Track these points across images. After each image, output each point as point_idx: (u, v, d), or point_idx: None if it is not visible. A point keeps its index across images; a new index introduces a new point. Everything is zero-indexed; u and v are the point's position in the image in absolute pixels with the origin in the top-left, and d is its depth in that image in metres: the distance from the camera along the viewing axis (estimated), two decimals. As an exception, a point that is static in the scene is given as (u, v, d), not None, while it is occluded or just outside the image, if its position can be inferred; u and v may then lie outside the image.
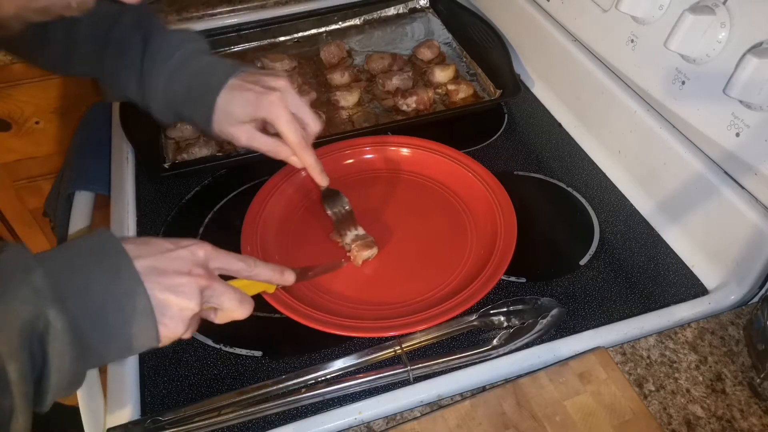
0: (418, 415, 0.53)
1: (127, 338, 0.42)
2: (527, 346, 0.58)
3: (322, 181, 0.66)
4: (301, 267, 0.58)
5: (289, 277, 0.54)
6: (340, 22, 1.09)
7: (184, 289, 0.44)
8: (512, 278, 0.66)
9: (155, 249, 0.45)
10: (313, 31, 1.08)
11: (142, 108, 0.67)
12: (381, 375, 0.56)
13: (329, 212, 0.69)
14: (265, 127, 0.64)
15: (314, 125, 0.64)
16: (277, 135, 0.63)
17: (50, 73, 0.96)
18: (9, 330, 0.36)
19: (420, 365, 0.57)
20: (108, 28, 0.65)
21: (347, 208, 0.69)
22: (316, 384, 0.56)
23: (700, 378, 0.55)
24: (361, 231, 0.69)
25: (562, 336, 0.59)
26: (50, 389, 0.39)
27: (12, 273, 0.38)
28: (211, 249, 0.48)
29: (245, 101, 0.61)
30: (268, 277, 0.53)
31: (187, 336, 0.47)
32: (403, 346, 0.58)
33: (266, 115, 0.61)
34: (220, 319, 0.49)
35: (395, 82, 0.91)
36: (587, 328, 0.60)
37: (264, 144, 0.64)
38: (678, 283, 0.65)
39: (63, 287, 0.40)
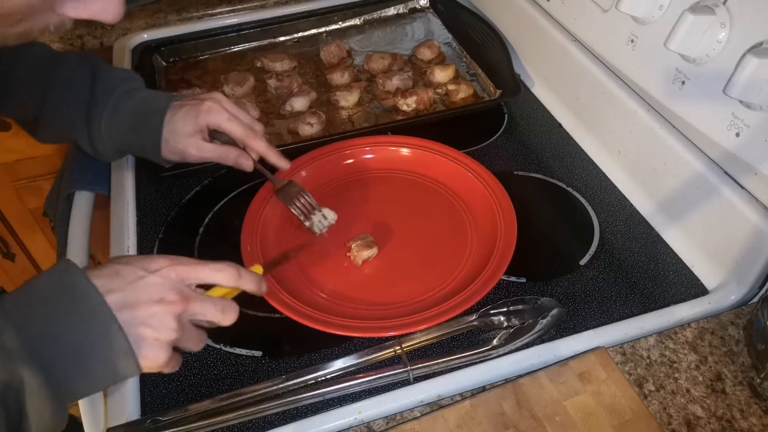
0: (418, 415, 0.53)
1: (106, 376, 0.42)
2: (527, 346, 0.58)
3: (284, 164, 0.69)
4: (270, 261, 0.60)
5: (265, 288, 0.54)
6: (340, 22, 1.09)
7: (156, 319, 0.44)
8: (512, 278, 0.66)
9: (125, 280, 0.44)
10: (313, 31, 1.08)
11: (84, 148, 0.71)
12: (381, 375, 0.56)
13: (288, 206, 0.69)
14: (212, 140, 0.69)
15: (256, 125, 0.68)
16: (226, 143, 0.68)
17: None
18: None
19: (420, 365, 0.57)
20: (53, 65, 0.69)
21: (302, 192, 0.69)
22: (316, 384, 0.56)
23: (700, 378, 0.55)
24: (328, 212, 0.69)
25: (562, 336, 0.59)
26: None
27: None
28: (184, 268, 0.47)
29: (186, 114, 0.66)
30: (250, 286, 0.52)
31: (193, 349, 0.48)
32: (403, 346, 0.58)
33: (207, 118, 0.66)
34: (210, 326, 0.49)
35: (395, 82, 0.91)
36: (587, 328, 0.60)
37: (212, 152, 0.68)
38: (678, 283, 0.65)
39: (35, 341, 0.39)
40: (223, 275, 0.49)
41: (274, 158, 0.68)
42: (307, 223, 0.69)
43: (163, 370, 0.47)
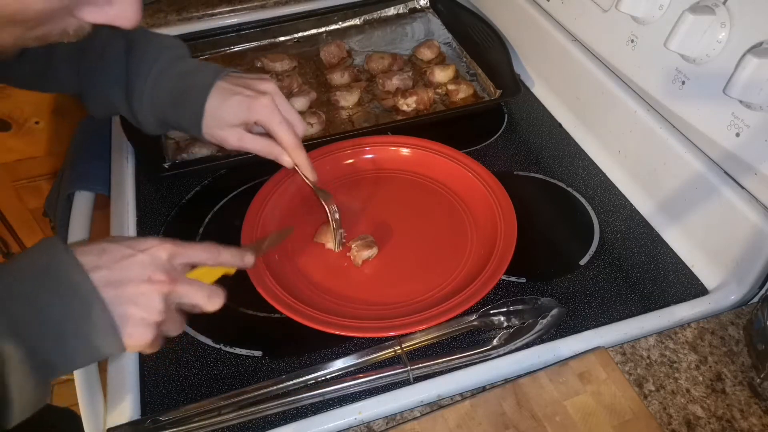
0: (418, 415, 0.53)
1: (90, 352, 0.42)
2: (527, 346, 0.58)
3: (313, 176, 0.67)
4: (254, 242, 0.59)
5: (249, 259, 0.55)
6: (340, 22, 1.09)
7: (144, 298, 0.44)
8: (512, 278, 0.66)
9: (112, 257, 0.44)
10: (313, 31, 1.08)
11: (129, 119, 0.67)
12: (381, 375, 0.56)
13: (330, 214, 0.67)
14: (250, 128, 0.65)
15: (301, 126, 0.65)
16: (264, 135, 0.64)
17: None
18: None
19: (420, 365, 0.57)
20: (88, 37, 0.65)
21: (336, 211, 0.68)
22: (316, 384, 0.56)
23: (700, 378, 0.55)
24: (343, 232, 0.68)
25: (562, 336, 0.59)
26: (13, 413, 0.39)
27: None
28: (174, 246, 0.48)
29: (237, 105, 0.62)
30: (231, 262, 0.53)
31: (172, 333, 0.47)
32: (403, 346, 0.58)
33: (259, 118, 0.62)
34: (194, 310, 0.50)
35: (395, 82, 0.91)
36: (587, 328, 0.60)
37: (256, 145, 0.65)
38: (678, 283, 0.65)
39: (17, 317, 0.39)
40: (207, 254, 0.50)
41: (309, 172, 0.67)
42: (329, 243, 0.68)
43: (145, 351, 0.46)
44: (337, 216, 0.67)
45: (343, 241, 0.68)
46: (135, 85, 0.64)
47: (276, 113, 0.62)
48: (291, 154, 0.65)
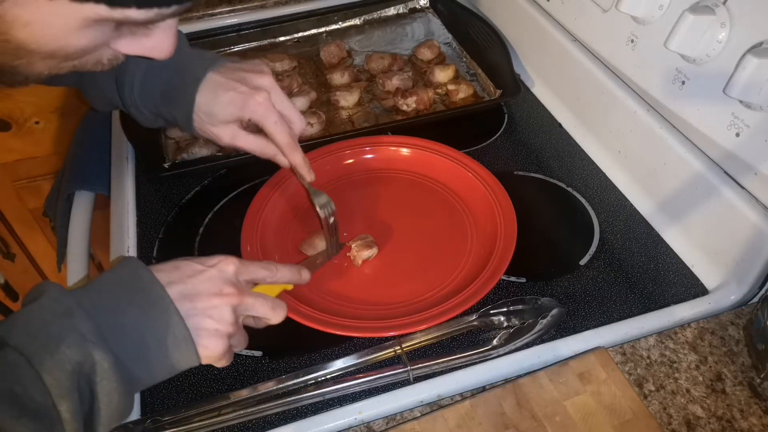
0: (418, 415, 0.53)
1: (169, 365, 0.44)
2: (527, 346, 0.58)
3: (310, 176, 0.65)
4: (304, 260, 0.60)
5: (306, 275, 0.56)
6: (340, 22, 1.08)
7: (217, 311, 0.46)
8: (512, 278, 0.66)
9: (185, 273, 0.46)
10: (313, 31, 1.08)
11: (127, 112, 0.66)
12: (381, 375, 0.56)
13: (323, 219, 0.64)
14: (245, 125, 0.63)
15: (299, 123, 0.63)
16: (260, 132, 0.62)
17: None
18: (59, 373, 0.38)
19: (420, 365, 0.57)
20: None
21: (334, 213, 0.65)
22: (316, 384, 0.56)
23: (700, 378, 0.55)
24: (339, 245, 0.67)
25: (562, 336, 0.59)
26: (101, 423, 0.40)
27: (55, 318, 0.39)
28: (239, 263, 0.49)
29: (229, 102, 0.59)
30: (289, 278, 0.55)
31: (237, 347, 0.49)
32: (403, 346, 0.58)
33: (253, 116, 0.59)
34: (258, 325, 0.52)
35: (395, 82, 0.91)
36: (587, 328, 0.60)
37: (250, 143, 0.63)
38: (678, 283, 0.65)
39: (104, 328, 0.41)
40: (266, 271, 0.52)
41: (305, 172, 0.65)
42: (315, 250, 0.68)
43: (218, 364, 0.48)
44: (331, 221, 0.64)
45: (335, 252, 0.66)
46: (125, 79, 0.62)
47: (271, 112, 0.59)
48: (287, 155, 0.63)
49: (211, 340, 0.46)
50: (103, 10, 0.34)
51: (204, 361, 0.46)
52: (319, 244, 0.67)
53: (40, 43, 0.36)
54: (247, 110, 0.59)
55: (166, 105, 0.62)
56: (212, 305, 0.46)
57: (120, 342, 0.41)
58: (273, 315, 0.50)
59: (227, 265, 0.48)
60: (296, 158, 0.63)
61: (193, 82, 0.60)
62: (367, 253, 0.67)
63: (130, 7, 0.35)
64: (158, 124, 0.67)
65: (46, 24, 0.34)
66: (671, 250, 0.69)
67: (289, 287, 0.57)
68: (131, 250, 0.71)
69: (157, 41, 0.41)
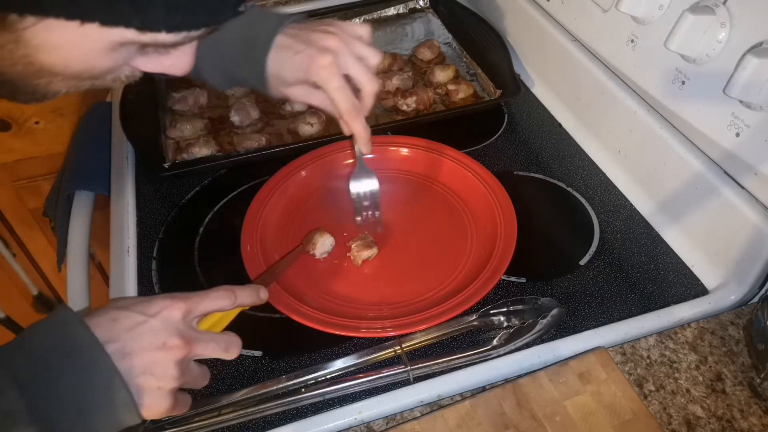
0: (418, 415, 0.53)
1: (112, 426, 0.42)
2: (527, 346, 0.58)
3: (367, 148, 0.63)
4: (266, 271, 0.57)
5: (264, 295, 0.53)
6: (340, 22, 1.08)
7: (159, 367, 0.43)
8: (512, 278, 0.66)
9: (124, 326, 0.43)
10: (313, 31, 1.08)
11: (194, 78, 0.63)
12: (381, 375, 0.56)
13: (357, 209, 0.68)
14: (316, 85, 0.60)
15: (370, 86, 0.58)
16: None
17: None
18: None
19: (420, 365, 0.57)
20: None
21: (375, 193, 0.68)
22: (316, 384, 0.56)
23: (700, 378, 0.55)
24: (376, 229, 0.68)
25: (562, 336, 0.59)
26: None
27: None
28: (187, 304, 0.46)
29: (296, 66, 0.57)
30: (249, 301, 0.52)
31: (197, 385, 0.47)
32: (403, 346, 0.58)
33: (317, 79, 0.57)
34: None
35: (395, 82, 0.91)
36: (587, 328, 0.60)
37: (322, 101, 0.61)
38: (678, 283, 0.65)
39: (39, 400, 0.39)
40: (223, 301, 0.49)
41: (363, 142, 0.61)
42: (316, 251, 0.68)
43: (171, 414, 0.45)
44: (377, 199, 0.67)
45: (366, 222, 0.68)
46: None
47: (334, 77, 0.56)
48: (347, 121, 0.59)
49: (153, 400, 0.43)
50: (132, 34, 0.34)
51: (149, 418, 0.44)
52: (319, 243, 0.67)
53: (67, 66, 0.36)
54: (310, 73, 0.57)
55: (238, 66, 0.61)
56: (154, 361, 0.43)
57: (56, 412, 0.39)
58: (226, 355, 0.48)
59: (172, 311, 0.45)
60: (356, 126, 0.60)
61: (262, 45, 0.58)
62: (367, 253, 0.67)
63: (160, 31, 0.35)
64: (230, 86, 0.66)
65: (75, 47, 0.34)
66: (671, 250, 0.69)
67: (246, 308, 0.54)
68: (131, 250, 0.71)
69: (175, 59, 0.40)
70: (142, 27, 0.34)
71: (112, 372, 0.41)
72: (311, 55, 0.56)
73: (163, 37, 0.35)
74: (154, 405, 0.43)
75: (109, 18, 0.33)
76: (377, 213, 0.69)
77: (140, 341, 0.43)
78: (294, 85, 0.60)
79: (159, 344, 0.43)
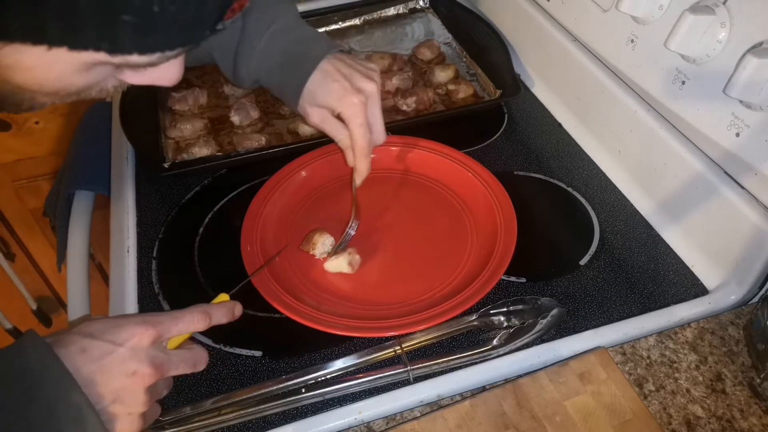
0: (418, 415, 0.53)
1: None
2: (527, 346, 0.58)
3: (360, 183, 0.69)
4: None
5: (239, 311, 0.53)
6: (340, 22, 1.08)
7: (129, 395, 0.44)
8: (512, 278, 0.66)
9: (91, 356, 0.43)
10: (313, 31, 1.08)
11: (223, 71, 0.68)
12: (381, 375, 0.56)
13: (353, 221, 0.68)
14: (335, 115, 0.66)
15: (380, 137, 0.67)
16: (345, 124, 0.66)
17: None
18: None
19: (420, 365, 0.57)
20: None
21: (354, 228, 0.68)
22: (316, 384, 0.56)
23: (700, 378, 0.55)
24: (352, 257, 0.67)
25: (562, 336, 0.59)
26: None
27: None
28: (157, 330, 0.46)
29: (331, 91, 0.63)
30: (224, 321, 0.52)
31: (148, 424, 0.47)
32: (403, 346, 0.58)
33: (344, 111, 0.63)
34: None
35: (395, 82, 0.91)
36: (587, 328, 0.60)
37: (335, 130, 0.66)
38: (678, 283, 0.65)
39: (7, 429, 0.39)
40: (196, 325, 0.49)
41: (361, 178, 0.68)
42: (315, 251, 0.68)
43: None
44: (352, 233, 0.68)
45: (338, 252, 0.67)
46: (248, 41, 0.65)
47: (360, 115, 0.63)
48: (356, 157, 0.66)
49: (124, 426, 0.44)
50: (103, 57, 0.34)
51: None
52: (319, 243, 0.67)
53: (42, 85, 0.35)
54: (341, 105, 0.63)
55: (282, 73, 0.66)
56: (122, 388, 0.43)
57: None
58: (195, 370, 0.49)
59: (142, 339, 0.44)
60: (362, 164, 0.67)
61: (312, 61, 0.64)
62: (335, 264, 0.66)
63: (132, 54, 0.34)
64: (251, 86, 0.70)
65: (47, 68, 0.34)
66: (671, 250, 0.69)
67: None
68: (131, 250, 0.71)
69: (163, 71, 0.40)
70: (112, 51, 0.33)
71: (81, 402, 0.41)
72: (347, 89, 0.63)
73: (136, 59, 0.35)
74: (125, 430, 0.44)
75: (76, 43, 0.32)
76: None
77: (109, 371, 0.43)
78: (318, 107, 0.65)
79: (128, 373, 0.44)
